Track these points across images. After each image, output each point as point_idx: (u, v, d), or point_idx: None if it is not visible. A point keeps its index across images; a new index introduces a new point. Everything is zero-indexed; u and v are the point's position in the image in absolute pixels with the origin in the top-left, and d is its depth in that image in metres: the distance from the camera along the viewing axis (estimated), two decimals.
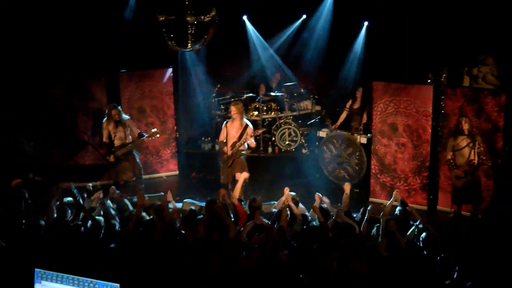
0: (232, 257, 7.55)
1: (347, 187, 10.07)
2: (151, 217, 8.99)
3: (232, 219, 9.09)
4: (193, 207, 9.92)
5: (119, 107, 12.34)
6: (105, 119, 12.28)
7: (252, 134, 11.80)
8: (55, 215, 9.15)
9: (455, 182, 11.05)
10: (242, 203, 10.03)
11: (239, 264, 7.50)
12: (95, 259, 7.74)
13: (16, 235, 8.54)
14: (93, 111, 13.48)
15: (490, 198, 11.19)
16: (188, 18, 9.69)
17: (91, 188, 10.96)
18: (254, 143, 12.09)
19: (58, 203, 9.42)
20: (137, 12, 13.97)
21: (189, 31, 9.70)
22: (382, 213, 9.05)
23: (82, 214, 9.17)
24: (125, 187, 12.43)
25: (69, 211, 9.33)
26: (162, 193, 10.85)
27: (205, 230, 8.41)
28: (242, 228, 8.72)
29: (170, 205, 10.03)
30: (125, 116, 12.40)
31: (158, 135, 12.43)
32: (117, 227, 8.67)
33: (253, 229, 8.57)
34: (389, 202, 9.81)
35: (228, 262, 7.45)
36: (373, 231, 8.79)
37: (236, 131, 11.87)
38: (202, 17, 9.78)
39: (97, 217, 8.97)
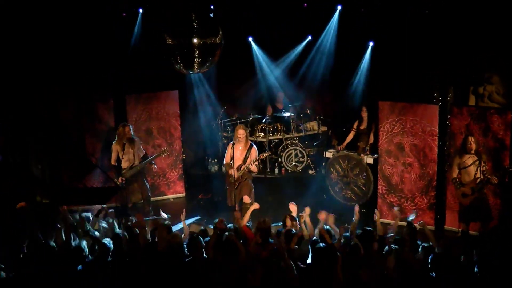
0: (242, 277, 7.59)
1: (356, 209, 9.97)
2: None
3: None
4: (202, 227, 9.91)
5: (129, 125, 12.40)
6: (114, 141, 12.32)
7: (256, 159, 11.80)
8: (63, 238, 9.15)
9: (462, 200, 10.99)
10: (249, 224, 10.04)
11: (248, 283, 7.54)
12: (102, 281, 7.75)
13: (23, 258, 8.55)
14: (101, 133, 13.55)
15: (498, 217, 11.18)
16: (195, 41, 9.76)
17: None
18: (256, 169, 12.07)
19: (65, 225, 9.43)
20: (144, 35, 14.09)
21: (196, 54, 9.78)
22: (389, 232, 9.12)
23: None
24: (134, 209, 12.44)
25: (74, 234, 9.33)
26: (166, 216, 10.72)
27: (214, 252, 8.41)
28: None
29: (181, 225, 10.06)
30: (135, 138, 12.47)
31: (165, 154, 12.56)
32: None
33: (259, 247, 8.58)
34: (393, 222, 9.79)
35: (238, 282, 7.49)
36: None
37: (241, 153, 11.86)
38: (209, 40, 9.85)
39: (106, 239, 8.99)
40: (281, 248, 8.23)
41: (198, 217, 12.38)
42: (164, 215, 10.23)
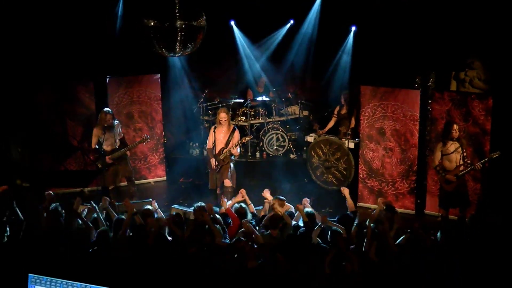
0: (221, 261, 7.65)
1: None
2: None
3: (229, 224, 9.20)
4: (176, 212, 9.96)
5: (112, 112, 12.29)
6: (95, 126, 12.23)
7: (238, 143, 11.78)
8: (47, 221, 9.10)
9: (446, 187, 11.08)
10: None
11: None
12: (88, 264, 7.74)
13: (7, 241, 8.53)
14: (82, 117, 13.46)
15: (477, 203, 11.27)
16: (178, 24, 9.68)
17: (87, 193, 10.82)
18: (238, 152, 12.04)
19: (50, 208, 9.38)
20: (126, 17, 13.97)
21: (178, 37, 9.70)
22: (368, 219, 9.18)
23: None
24: (117, 191, 12.42)
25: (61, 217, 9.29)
26: (151, 199, 10.75)
27: (192, 235, 8.45)
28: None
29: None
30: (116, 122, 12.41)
31: (147, 141, 12.58)
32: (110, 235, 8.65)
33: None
34: (375, 209, 9.77)
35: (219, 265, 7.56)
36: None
37: (224, 136, 11.85)
38: (192, 23, 9.77)
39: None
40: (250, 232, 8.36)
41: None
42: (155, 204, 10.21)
